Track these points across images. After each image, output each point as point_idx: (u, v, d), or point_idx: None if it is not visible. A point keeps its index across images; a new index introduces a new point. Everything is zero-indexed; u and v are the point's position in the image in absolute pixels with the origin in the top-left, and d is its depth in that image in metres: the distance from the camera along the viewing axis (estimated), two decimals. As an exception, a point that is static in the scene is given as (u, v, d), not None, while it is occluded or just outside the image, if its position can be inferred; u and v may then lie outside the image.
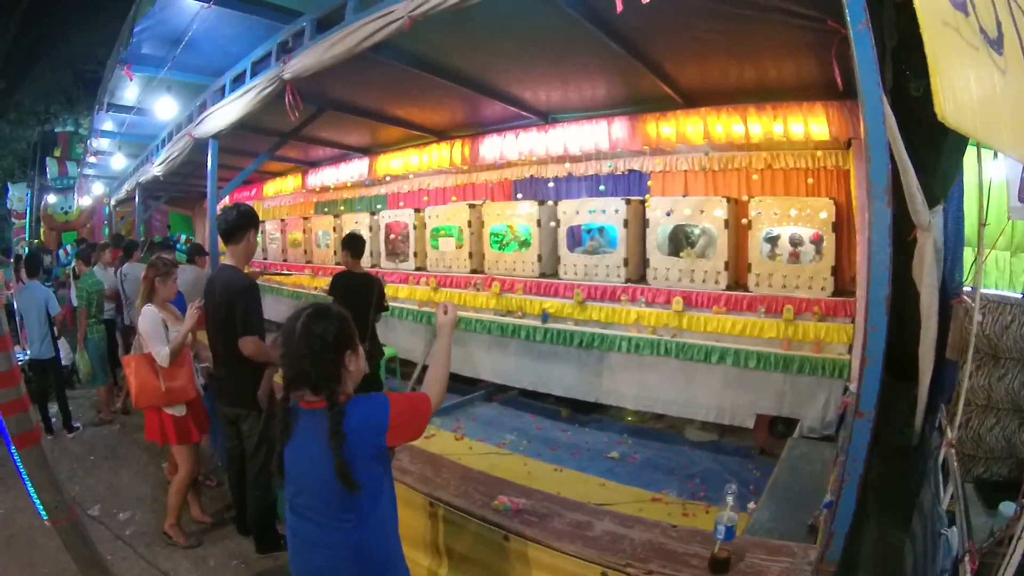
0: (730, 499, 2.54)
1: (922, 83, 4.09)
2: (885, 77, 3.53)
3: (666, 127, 6.26)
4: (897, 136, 3.72)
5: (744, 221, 6.02)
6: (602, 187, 7.52)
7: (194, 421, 4.71)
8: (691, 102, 6.11)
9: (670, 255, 6.44)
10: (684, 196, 6.71)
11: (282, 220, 12.24)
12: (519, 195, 8.21)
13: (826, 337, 5.50)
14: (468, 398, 7.65)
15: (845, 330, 5.42)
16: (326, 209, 11.95)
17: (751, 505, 4.54)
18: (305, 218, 11.54)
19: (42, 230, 18.98)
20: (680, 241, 6.56)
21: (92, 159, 13.76)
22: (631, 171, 7.32)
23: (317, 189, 11.79)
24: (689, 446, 6.29)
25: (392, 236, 9.18)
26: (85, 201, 17.74)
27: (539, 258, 7.25)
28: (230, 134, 6.55)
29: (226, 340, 4.06)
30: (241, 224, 4.08)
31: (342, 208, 11.45)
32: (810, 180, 6.22)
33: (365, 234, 9.22)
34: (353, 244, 6.18)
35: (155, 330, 4.49)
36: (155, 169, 8.66)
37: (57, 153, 19.20)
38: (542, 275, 7.27)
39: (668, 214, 6.36)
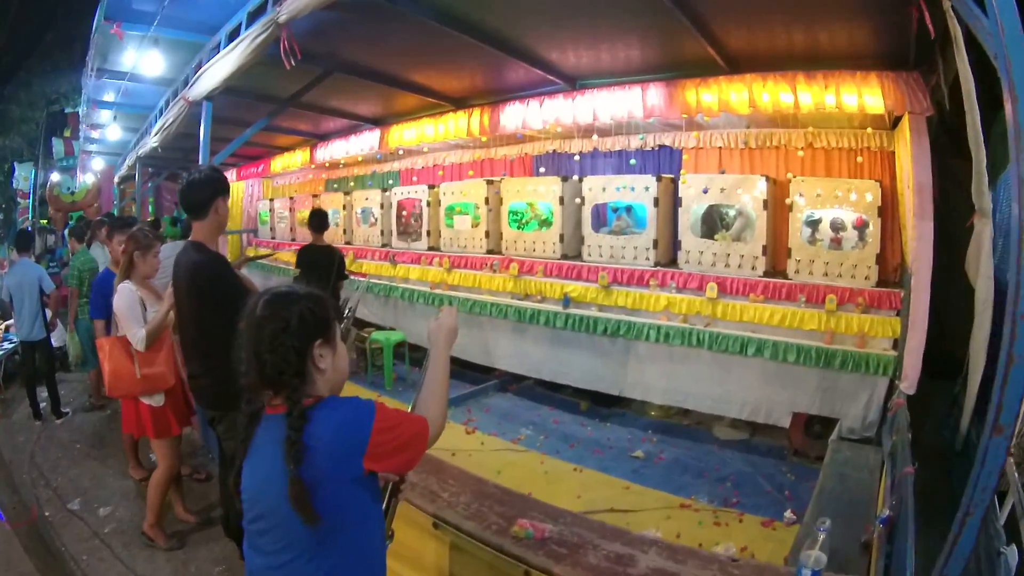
0: (822, 536, 2.16)
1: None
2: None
3: (707, 94, 5.66)
4: (975, 105, 3.29)
5: (788, 201, 5.58)
6: (633, 160, 7.00)
7: (174, 412, 4.26)
8: (735, 68, 5.55)
9: (703, 237, 6.00)
10: (722, 172, 6.25)
11: (291, 198, 11.86)
12: (541, 170, 7.70)
13: (870, 331, 5.09)
14: (481, 387, 7.22)
15: (891, 323, 5.01)
16: (336, 186, 11.57)
17: (787, 513, 4.37)
18: (315, 195, 11.13)
19: (49, 211, 18.36)
20: (714, 222, 6.13)
21: (94, 133, 13.21)
22: (662, 147, 6.82)
23: (327, 165, 11.35)
24: (718, 445, 5.87)
25: (404, 214, 8.73)
26: (89, 179, 17.26)
27: (561, 238, 6.80)
28: (227, 99, 6.13)
29: (199, 331, 3.45)
30: (206, 194, 3.39)
31: (352, 185, 11.01)
32: (860, 159, 5.73)
33: (376, 212, 9.06)
34: (313, 219, 6.96)
35: (131, 310, 4.06)
36: (152, 140, 8.18)
37: (67, 133, 18.76)
38: (564, 256, 6.81)
39: (705, 191, 5.91)
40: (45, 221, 18.33)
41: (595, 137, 7.04)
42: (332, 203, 10.22)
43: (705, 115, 5.80)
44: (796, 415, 5.44)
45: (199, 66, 6.41)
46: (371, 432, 1.66)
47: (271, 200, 12.63)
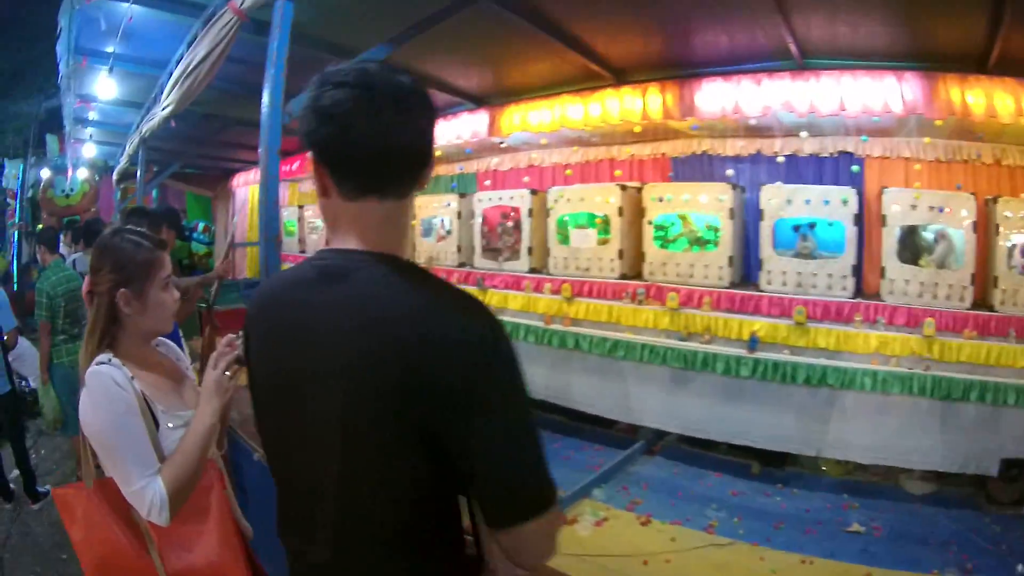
0: None
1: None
2: None
3: (970, 95, 4.76)
4: None
5: (995, 223, 5.07)
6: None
7: None
8: (1001, 68, 4.68)
9: (906, 263, 5.22)
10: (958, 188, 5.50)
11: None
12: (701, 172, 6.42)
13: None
14: (629, 453, 5.83)
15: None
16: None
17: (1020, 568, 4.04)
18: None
19: (42, 215, 15.80)
20: (916, 246, 5.32)
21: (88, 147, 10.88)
22: (842, 153, 5.78)
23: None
24: (917, 503, 5.12)
25: (495, 223, 7.22)
26: (82, 174, 14.48)
27: (730, 261, 5.70)
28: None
29: (375, 484, 1.38)
30: (419, 130, 1.24)
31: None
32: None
33: (454, 222, 7.68)
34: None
35: (124, 431, 1.78)
36: (167, 100, 4.87)
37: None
38: (732, 284, 5.72)
39: (928, 210, 5.20)
40: (41, 225, 15.50)
41: (803, 135, 5.78)
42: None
43: (961, 116, 4.85)
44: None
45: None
46: None
47: (300, 207, 10.79)
